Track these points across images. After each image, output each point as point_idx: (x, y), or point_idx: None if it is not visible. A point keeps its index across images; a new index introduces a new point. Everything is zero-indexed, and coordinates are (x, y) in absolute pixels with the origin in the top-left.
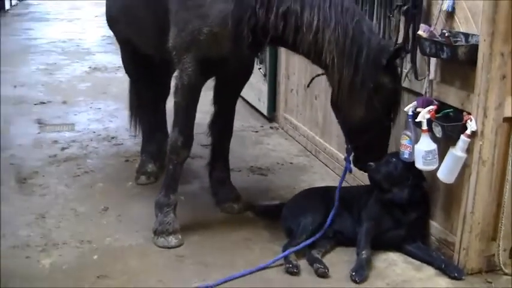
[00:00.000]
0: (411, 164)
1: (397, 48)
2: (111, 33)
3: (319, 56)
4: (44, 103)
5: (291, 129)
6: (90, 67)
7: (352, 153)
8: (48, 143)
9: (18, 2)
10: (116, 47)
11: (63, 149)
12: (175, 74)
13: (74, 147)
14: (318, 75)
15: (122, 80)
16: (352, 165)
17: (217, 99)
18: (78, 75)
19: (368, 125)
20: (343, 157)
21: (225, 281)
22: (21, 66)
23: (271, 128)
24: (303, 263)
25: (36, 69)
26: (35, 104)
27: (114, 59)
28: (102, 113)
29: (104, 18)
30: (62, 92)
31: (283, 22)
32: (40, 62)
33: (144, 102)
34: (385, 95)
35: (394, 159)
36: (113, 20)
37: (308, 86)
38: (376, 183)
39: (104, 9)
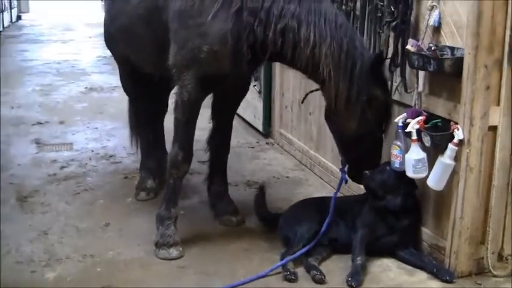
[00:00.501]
0: (404, 173)
1: (377, 54)
2: (106, 53)
3: (316, 70)
4: (41, 123)
5: (286, 144)
6: (86, 87)
7: (347, 165)
8: (47, 163)
9: (10, 24)
10: (111, 67)
11: (62, 167)
12: (175, 90)
13: (73, 166)
14: (312, 91)
15: (118, 100)
16: (347, 176)
17: (215, 115)
18: (75, 96)
19: (362, 137)
20: (337, 169)
21: None
22: (17, 87)
23: (267, 143)
24: (300, 271)
25: (33, 90)
26: (33, 125)
27: (109, 79)
28: (100, 132)
29: (98, 39)
30: (59, 113)
31: (282, 38)
32: (36, 83)
33: (143, 120)
34: (377, 108)
35: (388, 168)
36: (111, 40)
37: (302, 101)
38: (371, 190)
39: (97, 30)
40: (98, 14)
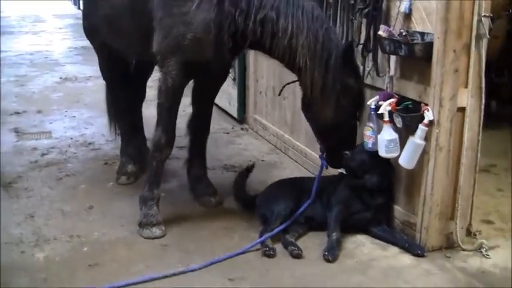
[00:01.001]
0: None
1: (348, 43)
2: (77, 44)
3: (293, 60)
4: (19, 113)
5: (260, 129)
6: (60, 78)
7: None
8: (28, 150)
9: None
10: (83, 58)
11: (43, 155)
12: (159, 77)
13: (54, 153)
14: (289, 83)
15: (93, 90)
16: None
17: (196, 101)
18: (50, 86)
19: (338, 124)
20: (311, 152)
21: (208, 265)
22: None
23: (242, 129)
24: (278, 247)
25: (7, 81)
26: (11, 114)
27: (83, 69)
28: (77, 121)
29: (68, 30)
30: (36, 102)
31: (261, 28)
32: (10, 74)
33: (122, 107)
34: (351, 96)
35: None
36: (92, 28)
37: (279, 94)
38: (351, 170)
39: (66, 21)
40: (65, 5)
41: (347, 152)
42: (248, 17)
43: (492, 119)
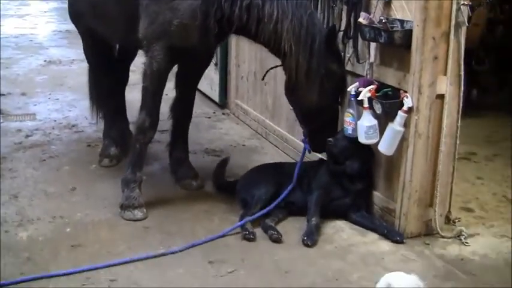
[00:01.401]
0: None
1: (330, 27)
2: (61, 28)
3: (278, 45)
4: (3, 95)
5: (242, 114)
6: (45, 60)
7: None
8: (12, 132)
9: None
10: (67, 41)
11: (27, 136)
12: (144, 61)
13: (38, 135)
14: (272, 68)
15: (77, 73)
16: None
17: (179, 84)
18: (34, 68)
19: (321, 108)
20: (291, 138)
21: (188, 247)
22: None
23: (223, 114)
24: (258, 231)
25: None
26: None
27: (67, 52)
28: (61, 103)
29: (53, 13)
30: (20, 85)
31: (247, 14)
32: None
33: (106, 90)
34: (334, 80)
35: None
36: (77, 13)
37: (263, 79)
38: (333, 156)
39: (51, 5)
40: None
41: (330, 139)
42: (234, 3)
43: (473, 107)
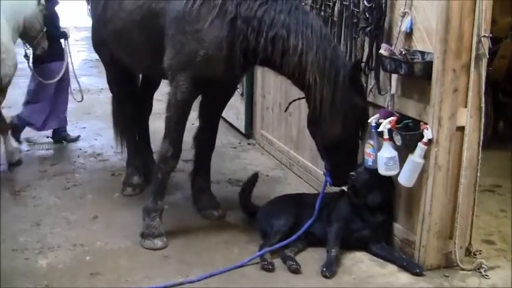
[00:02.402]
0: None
1: (355, 62)
2: (92, 57)
3: (302, 77)
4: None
5: (267, 144)
6: (74, 89)
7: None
8: (37, 160)
9: None
10: (97, 70)
11: (52, 164)
12: (169, 91)
13: (62, 163)
14: (295, 100)
15: (105, 102)
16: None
17: (203, 114)
18: None
19: (343, 142)
20: (315, 169)
21: (207, 277)
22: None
23: (248, 144)
24: (277, 262)
25: (23, 92)
26: None
27: (96, 81)
28: (87, 132)
29: (84, 42)
30: None
31: (272, 46)
32: (25, 85)
33: (129, 120)
34: (356, 114)
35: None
36: (101, 44)
37: (286, 110)
38: (356, 190)
39: (83, 34)
40: (83, 17)
41: (353, 173)
42: (260, 34)
43: (499, 139)
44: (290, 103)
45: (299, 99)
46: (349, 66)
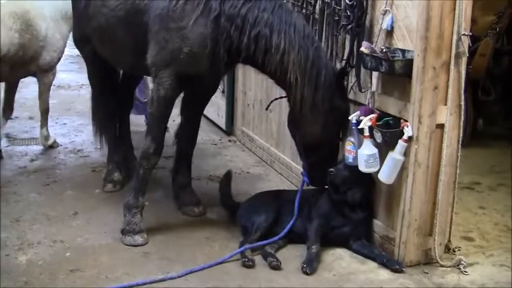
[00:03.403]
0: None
1: (342, 67)
2: (72, 52)
3: (284, 75)
4: (11, 119)
5: (247, 141)
6: (54, 85)
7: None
8: (17, 156)
9: None
10: (78, 66)
11: (32, 160)
12: (152, 87)
13: (43, 159)
14: (276, 98)
15: (85, 98)
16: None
17: (185, 111)
18: None
19: (322, 142)
20: (295, 166)
21: (187, 273)
22: None
23: (229, 140)
24: (258, 258)
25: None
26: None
27: (76, 77)
28: (68, 128)
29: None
30: (28, 108)
31: (255, 44)
32: None
33: (110, 115)
34: (337, 116)
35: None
36: (83, 40)
37: (267, 109)
38: (335, 186)
39: None
40: None
41: (332, 169)
42: (243, 32)
43: (479, 137)
44: (271, 102)
45: (281, 97)
46: (331, 66)
